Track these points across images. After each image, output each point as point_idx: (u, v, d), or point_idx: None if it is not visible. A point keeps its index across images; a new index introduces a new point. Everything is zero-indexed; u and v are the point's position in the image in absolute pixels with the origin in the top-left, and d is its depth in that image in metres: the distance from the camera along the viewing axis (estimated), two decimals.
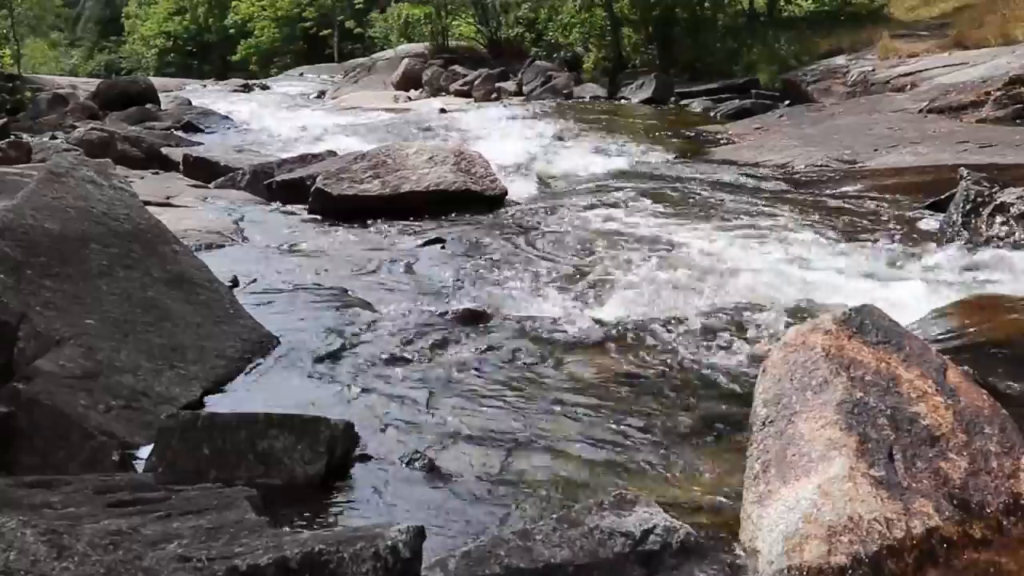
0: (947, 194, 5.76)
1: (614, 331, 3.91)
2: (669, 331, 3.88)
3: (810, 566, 1.93)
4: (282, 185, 7.55)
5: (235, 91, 25.23)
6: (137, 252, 3.77)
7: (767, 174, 8.32)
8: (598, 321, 4.04)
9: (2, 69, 24.19)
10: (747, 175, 8.25)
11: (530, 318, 4.11)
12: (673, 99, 15.88)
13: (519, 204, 7.01)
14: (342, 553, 1.81)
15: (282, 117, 15.76)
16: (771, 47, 15.86)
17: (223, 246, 5.67)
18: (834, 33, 16.47)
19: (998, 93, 9.90)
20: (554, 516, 2.13)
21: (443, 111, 16.05)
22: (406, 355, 3.71)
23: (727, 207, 6.67)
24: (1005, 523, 2.01)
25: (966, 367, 2.62)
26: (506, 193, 7.05)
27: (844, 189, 7.29)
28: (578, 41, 21.42)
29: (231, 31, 40.65)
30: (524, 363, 3.62)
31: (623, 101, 16.72)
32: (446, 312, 4.23)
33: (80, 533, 1.79)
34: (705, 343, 3.74)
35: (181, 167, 8.79)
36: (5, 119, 13.11)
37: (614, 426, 3.04)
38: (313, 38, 37.07)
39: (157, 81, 21.98)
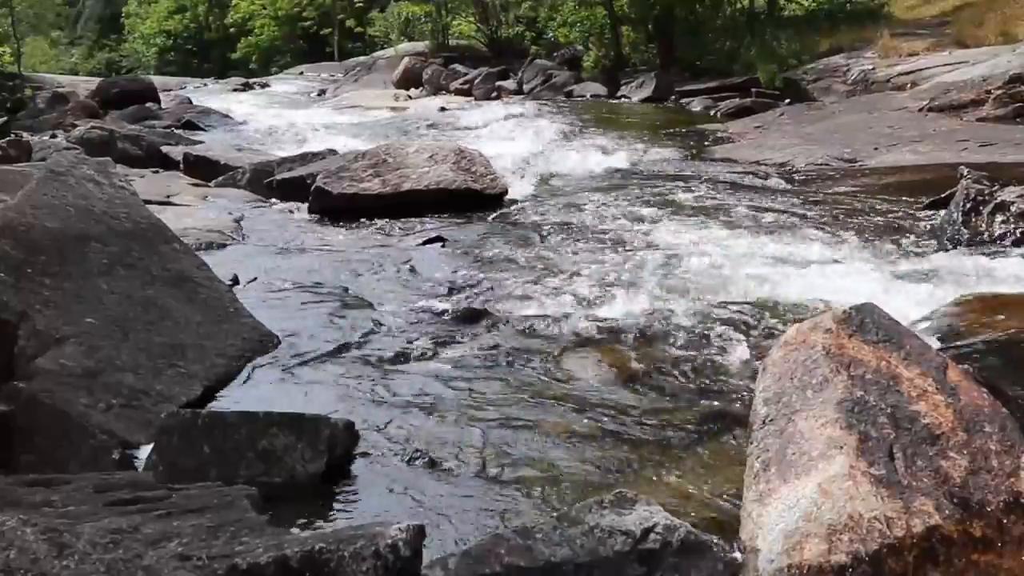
0: (947, 193, 5.76)
1: (614, 330, 3.91)
2: (669, 330, 3.88)
3: (810, 564, 1.93)
4: (282, 183, 7.55)
5: (235, 90, 25.26)
6: (137, 251, 3.78)
7: (767, 173, 8.31)
8: (598, 320, 4.04)
9: (2, 68, 24.18)
10: (747, 173, 8.24)
11: (530, 317, 4.11)
12: (673, 97, 15.89)
13: (519, 203, 7.00)
14: (342, 551, 1.82)
15: (282, 115, 15.76)
16: (771, 46, 15.85)
17: (223, 245, 5.67)
18: (834, 32, 16.48)
19: (998, 92, 9.89)
20: (554, 514, 2.13)
21: (443, 110, 16.06)
22: (406, 354, 3.71)
23: (727, 206, 6.66)
24: (1005, 522, 2.01)
25: (966, 366, 2.62)
26: (506, 192, 7.05)
27: (844, 188, 7.29)
28: (578, 40, 21.43)
29: (231, 30, 40.66)
30: (524, 362, 3.62)
31: (623, 100, 16.72)
32: (446, 311, 4.24)
33: (80, 532, 1.79)
34: (705, 341, 3.74)
35: (181, 166, 8.79)
36: (5, 118, 13.13)
37: (614, 425, 3.04)
38: (313, 37, 37.08)
39: (157, 79, 22.01)
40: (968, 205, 5.19)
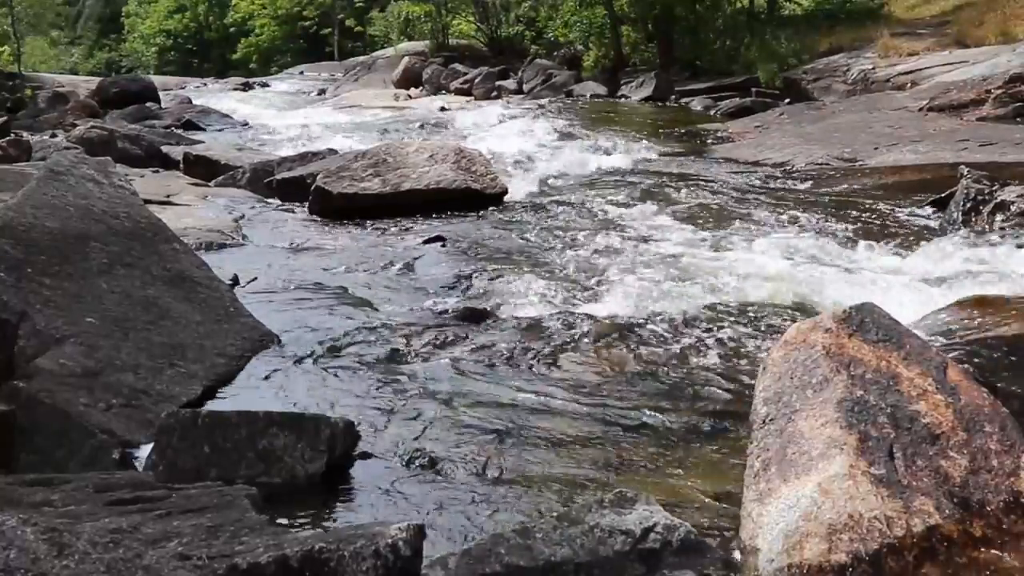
0: (947, 192, 5.77)
1: (614, 330, 3.91)
2: (669, 329, 3.88)
3: (810, 564, 1.94)
4: (282, 183, 7.55)
5: (235, 89, 25.30)
6: (137, 250, 3.78)
7: (767, 172, 8.32)
8: (598, 319, 4.04)
9: (2, 67, 24.19)
10: (747, 173, 8.25)
11: (530, 316, 4.11)
12: (673, 97, 15.90)
13: (519, 202, 7.00)
14: (342, 551, 1.81)
15: (282, 115, 15.78)
16: (771, 45, 15.86)
17: (223, 244, 5.67)
18: (834, 31, 16.50)
19: (998, 91, 9.89)
20: (554, 514, 2.13)
21: (443, 109, 16.08)
22: (406, 353, 3.71)
23: (727, 206, 6.66)
24: (1005, 521, 2.01)
25: (966, 366, 2.62)
26: (506, 191, 7.05)
27: (844, 187, 7.29)
28: (578, 39, 21.44)
29: (231, 29, 40.74)
30: (524, 361, 3.62)
31: (623, 99, 16.73)
32: (446, 310, 4.23)
33: (80, 531, 1.79)
34: (705, 341, 3.74)
35: (181, 165, 8.79)
36: (5, 117, 13.10)
37: (614, 425, 3.04)
38: (313, 36, 37.13)
39: (157, 79, 22.06)
40: (968, 204, 5.20)
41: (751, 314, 4.01)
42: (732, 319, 3.95)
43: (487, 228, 6.19)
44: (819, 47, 15.84)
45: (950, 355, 2.54)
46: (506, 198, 6.99)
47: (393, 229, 6.24)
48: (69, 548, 1.71)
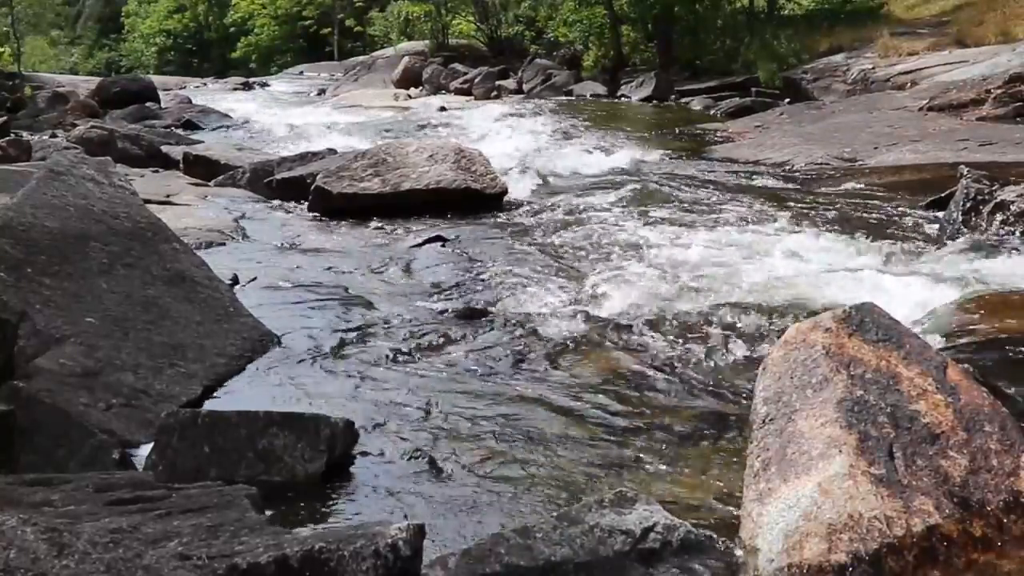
0: (947, 192, 5.76)
1: (614, 329, 3.91)
2: (669, 329, 3.88)
3: (810, 564, 1.94)
4: (282, 183, 7.55)
5: (235, 89, 25.34)
6: (137, 250, 3.78)
7: (767, 172, 8.31)
8: (598, 319, 4.04)
9: (2, 67, 24.19)
10: (747, 173, 8.25)
11: (530, 316, 4.11)
12: (673, 97, 15.91)
13: (519, 202, 7.00)
14: (342, 551, 1.81)
15: (282, 115, 15.76)
16: (771, 45, 15.88)
17: (223, 244, 5.67)
18: (834, 31, 16.52)
19: (998, 91, 9.90)
20: (554, 514, 2.13)
21: (443, 109, 16.09)
22: (406, 353, 3.71)
23: (727, 205, 6.66)
24: (1005, 521, 2.01)
25: (966, 366, 2.62)
26: (506, 191, 7.05)
27: (844, 187, 7.29)
28: (578, 39, 21.46)
29: (231, 29, 40.75)
30: (524, 361, 3.62)
31: (623, 99, 16.74)
32: (446, 310, 4.24)
33: (80, 531, 1.79)
34: (705, 341, 3.74)
35: (181, 165, 8.79)
36: (5, 117, 13.10)
37: (614, 424, 3.04)
38: (313, 36, 37.13)
39: (157, 79, 22.06)
40: (968, 204, 5.19)
41: (751, 314, 4.00)
42: (732, 319, 3.94)
43: (487, 228, 6.19)
44: (819, 47, 15.86)
45: (950, 355, 2.54)
46: (506, 198, 6.98)
47: (393, 229, 6.24)
48: (69, 548, 1.71)
